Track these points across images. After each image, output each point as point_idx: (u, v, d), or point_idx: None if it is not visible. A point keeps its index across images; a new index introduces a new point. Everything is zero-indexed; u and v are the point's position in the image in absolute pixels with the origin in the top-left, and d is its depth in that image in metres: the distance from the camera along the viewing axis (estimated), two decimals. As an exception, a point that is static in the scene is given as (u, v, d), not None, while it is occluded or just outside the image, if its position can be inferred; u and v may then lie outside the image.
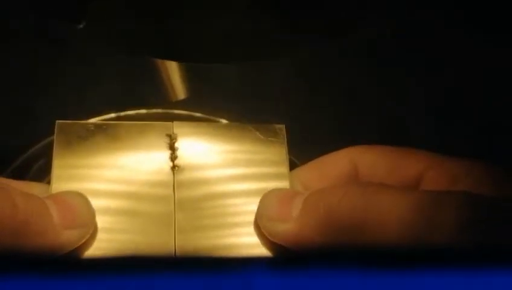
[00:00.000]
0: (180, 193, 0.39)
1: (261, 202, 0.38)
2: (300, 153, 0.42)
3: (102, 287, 0.26)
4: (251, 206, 0.38)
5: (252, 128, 0.41)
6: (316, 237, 0.36)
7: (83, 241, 0.36)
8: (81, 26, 0.36)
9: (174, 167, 0.39)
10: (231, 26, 0.35)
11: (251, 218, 0.38)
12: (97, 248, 0.37)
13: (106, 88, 0.46)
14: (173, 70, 0.41)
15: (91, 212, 0.37)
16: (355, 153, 0.40)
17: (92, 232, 0.37)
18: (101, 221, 0.37)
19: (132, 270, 0.27)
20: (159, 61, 0.41)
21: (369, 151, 0.40)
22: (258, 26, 0.35)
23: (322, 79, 0.48)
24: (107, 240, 0.37)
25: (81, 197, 0.37)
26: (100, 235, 0.37)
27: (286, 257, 0.37)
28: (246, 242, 0.38)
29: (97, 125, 0.40)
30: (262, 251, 0.38)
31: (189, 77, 0.42)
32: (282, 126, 0.41)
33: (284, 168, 0.40)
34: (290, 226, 0.36)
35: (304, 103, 0.47)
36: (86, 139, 0.39)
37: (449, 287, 0.27)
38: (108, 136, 0.40)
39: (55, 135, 0.39)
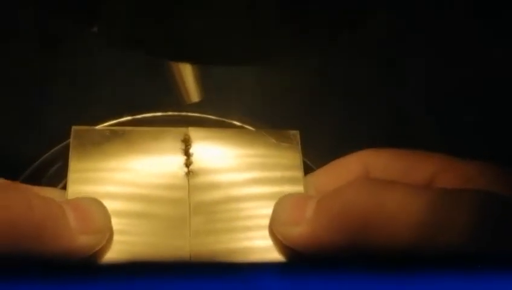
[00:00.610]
0: (194, 197, 0.39)
1: (274, 207, 0.38)
2: (311, 155, 0.42)
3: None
4: (265, 210, 0.38)
5: (266, 134, 0.41)
6: (331, 237, 0.36)
7: (99, 247, 0.36)
8: (94, 29, 0.36)
9: (188, 173, 0.40)
10: (244, 29, 0.35)
11: (265, 222, 0.38)
12: (112, 251, 0.37)
13: (119, 91, 0.46)
14: (187, 73, 0.41)
15: (107, 219, 0.37)
16: (367, 156, 0.40)
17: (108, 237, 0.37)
18: (116, 224, 0.37)
19: (143, 275, 0.27)
20: (173, 64, 0.41)
21: (380, 154, 0.40)
22: (271, 27, 0.35)
23: (335, 80, 0.48)
24: (121, 243, 0.37)
25: (98, 203, 0.37)
26: (115, 238, 0.37)
27: (294, 262, 0.36)
28: (260, 246, 0.38)
29: (112, 131, 0.40)
30: (276, 255, 0.38)
31: (203, 79, 0.42)
32: (297, 132, 0.42)
33: (298, 170, 0.40)
34: (304, 228, 0.36)
35: (316, 104, 0.47)
36: (102, 145, 0.40)
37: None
38: (124, 141, 0.40)
39: (71, 140, 0.40)
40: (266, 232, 0.38)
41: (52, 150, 0.44)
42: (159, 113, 0.46)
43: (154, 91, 0.45)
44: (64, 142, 0.41)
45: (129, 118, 0.45)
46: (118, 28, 0.36)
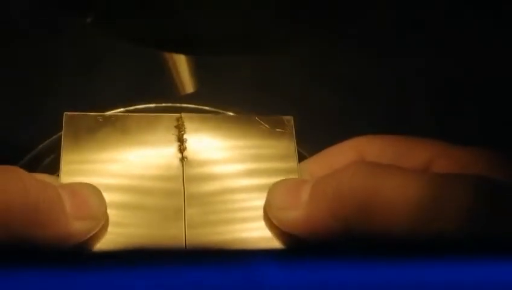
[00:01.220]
0: (189, 187, 0.39)
1: (269, 192, 0.38)
2: (306, 144, 0.42)
3: (110, 280, 0.26)
4: (260, 197, 0.38)
5: (260, 119, 0.41)
6: (327, 220, 0.35)
7: (93, 233, 0.36)
8: (89, 20, 0.36)
9: (183, 159, 0.40)
10: (238, 19, 0.35)
11: (260, 211, 0.38)
12: (106, 241, 0.37)
13: (114, 82, 0.46)
14: (181, 64, 0.41)
15: (103, 205, 0.37)
16: (362, 142, 0.40)
17: (102, 225, 0.37)
18: (109, 214, 0.37)
19: (141, 263, 0.27)
20: (167, 54, 0.41)
21: (375, 141, 0.40)
22: (265, 18, 0.35)
23: (327, 70, 0.48)
24: (116, 234, 0.37)
25: (94, 189, 0.37)
26: (109, 229, 0.37)
27: (294, 249, 0.36)
28: (256, 235, 0.38)
29: (105, 117, 0.40)
30: (272, 244, 0.38)
31: (198, 70, 0.42)
32: (290, 118, 0.42)
33: (293, 160, 0.40)
34: (300, 212, 0.36)
35: (310, 94, 0.47)
36: (94, 131, 0.39)
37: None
38: (117, 128, 0.40)
39: (63, 126, 0.39)
40: (261, 221, 0.38)
41: (46, 141, 0.43)
42: (153, 105, 0.46)
43: (149, 82, 0.45)
44: (58, 133, 0.41)
45: (122, 109, 0.45)
46: (112, 19, 0.36)
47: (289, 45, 0.39)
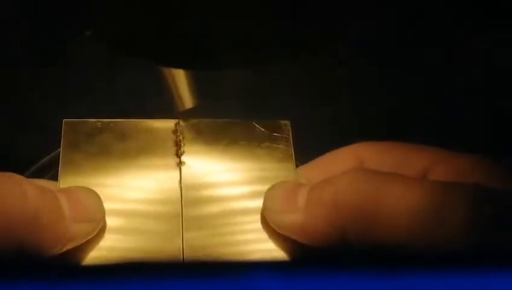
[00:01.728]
0: (186, 192, 0.39)
1: (266, 195, 0.38)
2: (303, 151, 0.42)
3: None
4: (257, 202, 0.39)
5: (257, 124, 0.42)
6: (323, 226, 0.35)
7: (91, 236, 0.37)
8: (88, 33, 0.36)
9: (180, 163, 0.40)
10: (238, 33, 0.35)
11: (258, 215, 0.39)
12: (103, 248, 0.37)
13: (113, 96, 0.46)
14: (181, 78, 0.41)
15: (101, 208, 0.37)
16: (361, 149, 0.40)
17: (100, 228, 0.37)
18: (107, 220, 0.37)
19: (136, 275, 0.27)
20: (166, 69, 0.41)
21: (373, 147, 0.40)
22: (265, 32, 0.35)
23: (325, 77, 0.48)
24: (113, 239, 0.37)
25: (92, 192, 0.37)
26: (106, 235, 0.37)
27: (289, 261, 0.36)
28: (253, 238, 0.38)
29: (104, 123, 0.41)
30: (270, 245, 0.38)
31: (197, 85, 0.42)
32: (288, 122, 0.42)
33: (290, 165, 0.41)
34: (297, 216, 0.36)
35: (311, 104, 0.47)
36: (93, 137, 0.40)
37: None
38: (115, 133, 0.40)
39: (62, 133, 0.40)
40: (259, 224, 0.38)
41: (47, 157, 0.44)
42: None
43: (147, 96, 0.45)
44: (58, 150, 0.41)
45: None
46: (111, 33, 0.36)
47: (289, 58, 0.39)
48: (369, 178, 0.35)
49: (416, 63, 0.47)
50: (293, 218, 0.36)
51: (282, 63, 0.40)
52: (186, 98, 0.42)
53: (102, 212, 0.37)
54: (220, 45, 0.36)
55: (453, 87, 0.47)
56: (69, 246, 0.36)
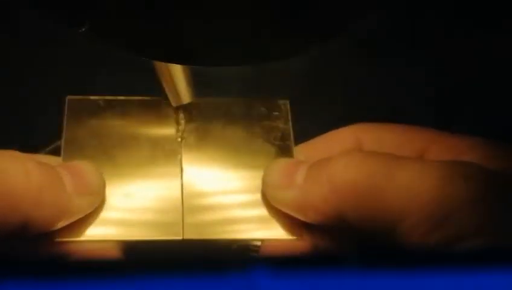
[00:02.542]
0: (187, 168, 0.40)
1: (265, 171, 0.39)
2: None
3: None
4: (256, 180, 0.39)
5: (256, 103, 0.42)
6: (320, 204, 0.36)
7: (93, 208, 0.37)
8: (83, 29, 0.36)
9: (182, 140, 0.41)
10: (236, 29, 0.35)
11: (257, 192, 0.39)
12: (103, 221, 0.37)
13: (112, 91, 0.46)
14: (178, 74, 0.41)
15: (101, 181, 0.38)
16: (360, 129, 0.40)
17: (101, 201, 0.38)
18: (109, 196, 0.38)
19: (133, 271, 0.27)
20: (163, 64, 0.40)
21: (373, 128, 0.40)
22: (265, 29, 0.35)
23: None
24: (114, 217, 0.38)
25: (91, 166, 0.38)
26: (105, 212, 0.38)
27: (290, 258, 0.36)
28: (253, 215, 0.39)
29: (106, 101, 0.42)
30: (271, 224, 0.38)
31: (194, 80, 0.41)
32: (287, 101, 0.42)
33: (289, 143, 0.41)
34: (295, 193, 0.37)
35: (310, 101, 0.47)
36: (96, 114, 0.41)
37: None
38: (117, 110, 0.41)
39: (65, 110, 0.41)
40: (259, 201, 0.39)
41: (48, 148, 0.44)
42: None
43: (144, 91, 0.45)
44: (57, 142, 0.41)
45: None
46: (106, 28, 0.35)
47: (289, 55, 0.39)
48: (366, 159, 0.35)
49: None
50: (290, 194, 0.37)
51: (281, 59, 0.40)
52: (184, 92, 0.41)
53: (103, 184, 0.38)
54: (218, 40, 0.36)
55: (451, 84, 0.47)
56: (71, 220, 0.36)
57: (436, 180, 0.34)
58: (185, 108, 0.41)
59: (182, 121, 0.41)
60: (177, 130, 0.41)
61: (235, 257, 0.39)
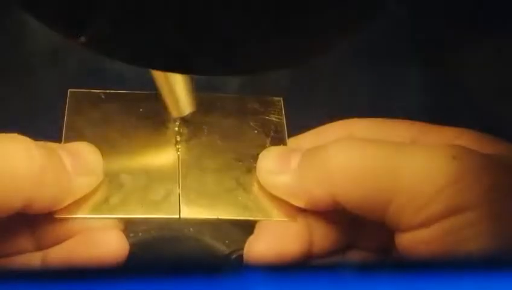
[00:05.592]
0: (184, 157, 0.41)
1: (260, 157, 0.40)
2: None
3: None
4: (252, 166, 0.40)
5: (250, 100, 0.44)
6: (315, 189, 0.37)
7: (92, 188, 0.38)
8: (83, 40, 0.36)
9: (180, 133, 0.42)
10: (235, 39, 0.35)
11: (252, 177, 0.40)
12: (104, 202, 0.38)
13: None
14: (178, 84, 0.41)
15: (100, 161, 0.39)
16: (350, 123, 0.41)
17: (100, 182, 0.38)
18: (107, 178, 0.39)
19: (127, 272, 0.27)
20: (163, 74, 0.40)
21: (362, 122, 0.41)
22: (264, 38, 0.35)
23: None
24: (112, 197, 0.39)
25: (90, 146, 0.39)
26: (106, 193, 0.39)
27: (284, 264, 0.36)
28: (248, 198, 0.39)
29: (108, 94, 0.43)
30: (265, 206, 0.39)
31: (195, 90, 0.41)
32: (280, 99, 0.44)
33: (282, 135, 0.42)
34: (289, 178, 0.38)
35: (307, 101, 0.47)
36: (97, 106, 0.42)
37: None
38: (118, 103, 0.43)
39: (67, 102, 0.42)
40: (255, 186, 0.40)
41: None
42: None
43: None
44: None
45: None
46: (105, 39, 0.35)
47: (288, 64, 0.39)
48: (359, 143, 0.36)
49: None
50: (285, 179, 0.38)
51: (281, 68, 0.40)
52: (184, 103, 0.41)
53: (101, 165, 0.38)
54: (218, 50, 0.36)
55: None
56: (71, 200, 0.37)
57: (425, 159, 0.35)
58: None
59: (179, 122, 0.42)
60: (175, 123, 0.42)
61: (229, 261, 0.39)
